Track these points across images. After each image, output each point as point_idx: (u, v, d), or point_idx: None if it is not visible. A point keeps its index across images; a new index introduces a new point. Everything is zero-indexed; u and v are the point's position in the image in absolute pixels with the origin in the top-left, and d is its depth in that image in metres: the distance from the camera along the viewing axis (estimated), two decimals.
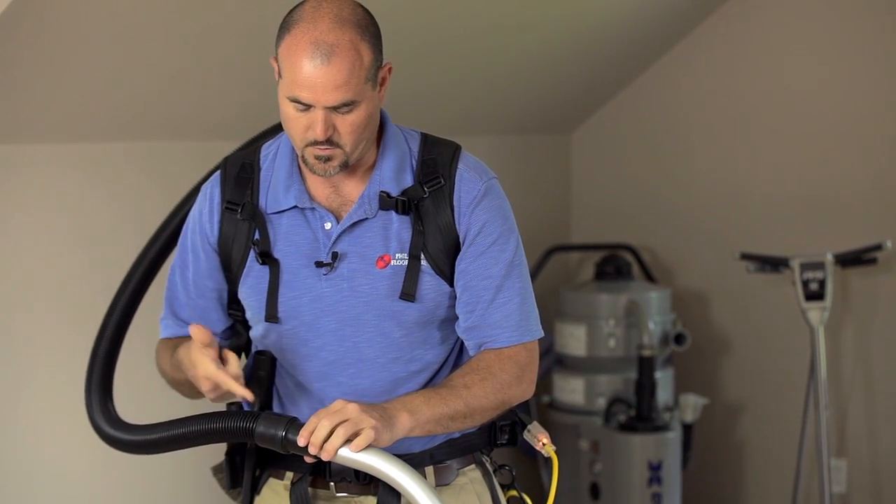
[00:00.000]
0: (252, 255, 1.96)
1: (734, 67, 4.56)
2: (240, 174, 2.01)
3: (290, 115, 1.86)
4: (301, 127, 1.86)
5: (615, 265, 4.43)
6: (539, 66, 4.15)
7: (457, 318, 1.99)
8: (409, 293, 1.92)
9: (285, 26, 1.86)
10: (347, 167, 1.90)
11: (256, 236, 1.96)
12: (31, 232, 3.01)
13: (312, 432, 1.78)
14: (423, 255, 1.93)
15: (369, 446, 1.77)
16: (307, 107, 1.83)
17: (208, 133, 3.28)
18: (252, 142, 2.21)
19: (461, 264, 1.95)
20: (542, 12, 3.77)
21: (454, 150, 1.99)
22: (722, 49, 4.57)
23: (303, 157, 1.89)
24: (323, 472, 1.98)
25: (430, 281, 1.94)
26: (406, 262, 1.93)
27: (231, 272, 2.00)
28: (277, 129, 2.13)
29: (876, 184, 4.25)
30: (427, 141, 2.00)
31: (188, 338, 1.96)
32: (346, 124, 1.85)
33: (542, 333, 2.01)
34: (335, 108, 1.83)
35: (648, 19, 4.25)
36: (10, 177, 2.95)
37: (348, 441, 1.77)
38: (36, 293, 3.02)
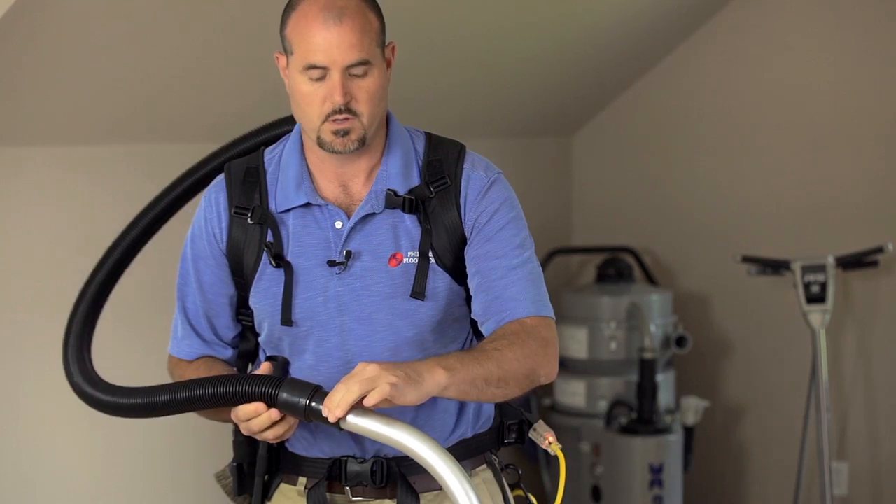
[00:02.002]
0: (265, 258, 1.94)
1: (735, 71, 4.56)
2: (246, 178, 1.99)
3: (305, 92, 1.85)
4: (318, 101, 1.84)
5: (616, 268, 4.42)
6: (540, 69, 4.15)
7: (466, 315, 1.98)
8: (419, 291, 1.91)
9: (290, 7, 1.88)
10: (364, 144, 1.88)
11: (269, 238, 1.94)
12: (32, 234, 3.01)
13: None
14: (431, 254, 1.92)
15: (393, 420, 1.69)
16: (322, 76, 1.82)
17: (208, 135, 3.26)
18: (237, 142, 2.16)
19: (471, 251, 1.93)
20: (543, 15, 3.77)
21: (459, 151, 1.98)
22: (722, 52, 4.58)
23: (319, 138, 1.87)
24: (339, 477, 1.96)
25: (440, 279, 1.93)
26: (417, 260, 1.92)
27: (243, 277, 1.98)
28: (260, 132, 2.13)
29: (877, 187, 4.25)
30: (432, 141, 2.00)
31: (214, 359, 2.01)
32: (363, 91, 1.84)
33: (554, 317, 1.97)
34: (350, 70, 1.82)
35: (649, 22, 4.25)
36: (11, 178, 2.94)
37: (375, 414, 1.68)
38: (36, 294, 3.01)
